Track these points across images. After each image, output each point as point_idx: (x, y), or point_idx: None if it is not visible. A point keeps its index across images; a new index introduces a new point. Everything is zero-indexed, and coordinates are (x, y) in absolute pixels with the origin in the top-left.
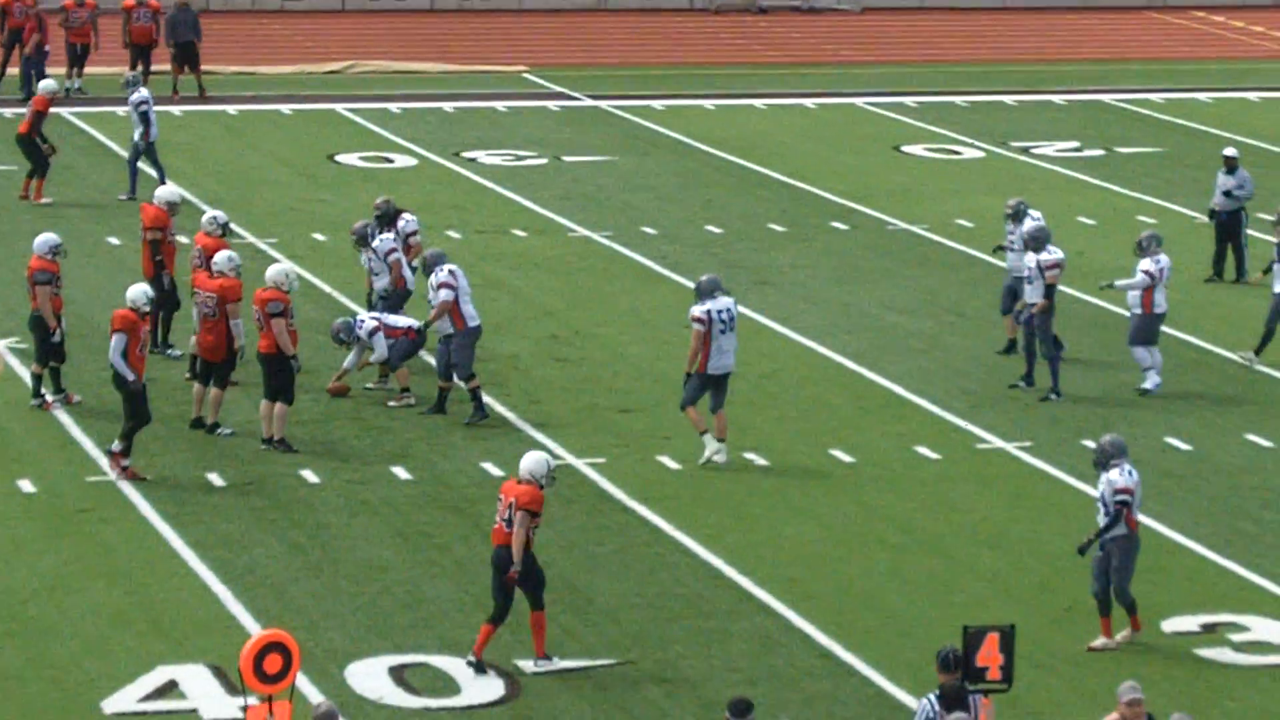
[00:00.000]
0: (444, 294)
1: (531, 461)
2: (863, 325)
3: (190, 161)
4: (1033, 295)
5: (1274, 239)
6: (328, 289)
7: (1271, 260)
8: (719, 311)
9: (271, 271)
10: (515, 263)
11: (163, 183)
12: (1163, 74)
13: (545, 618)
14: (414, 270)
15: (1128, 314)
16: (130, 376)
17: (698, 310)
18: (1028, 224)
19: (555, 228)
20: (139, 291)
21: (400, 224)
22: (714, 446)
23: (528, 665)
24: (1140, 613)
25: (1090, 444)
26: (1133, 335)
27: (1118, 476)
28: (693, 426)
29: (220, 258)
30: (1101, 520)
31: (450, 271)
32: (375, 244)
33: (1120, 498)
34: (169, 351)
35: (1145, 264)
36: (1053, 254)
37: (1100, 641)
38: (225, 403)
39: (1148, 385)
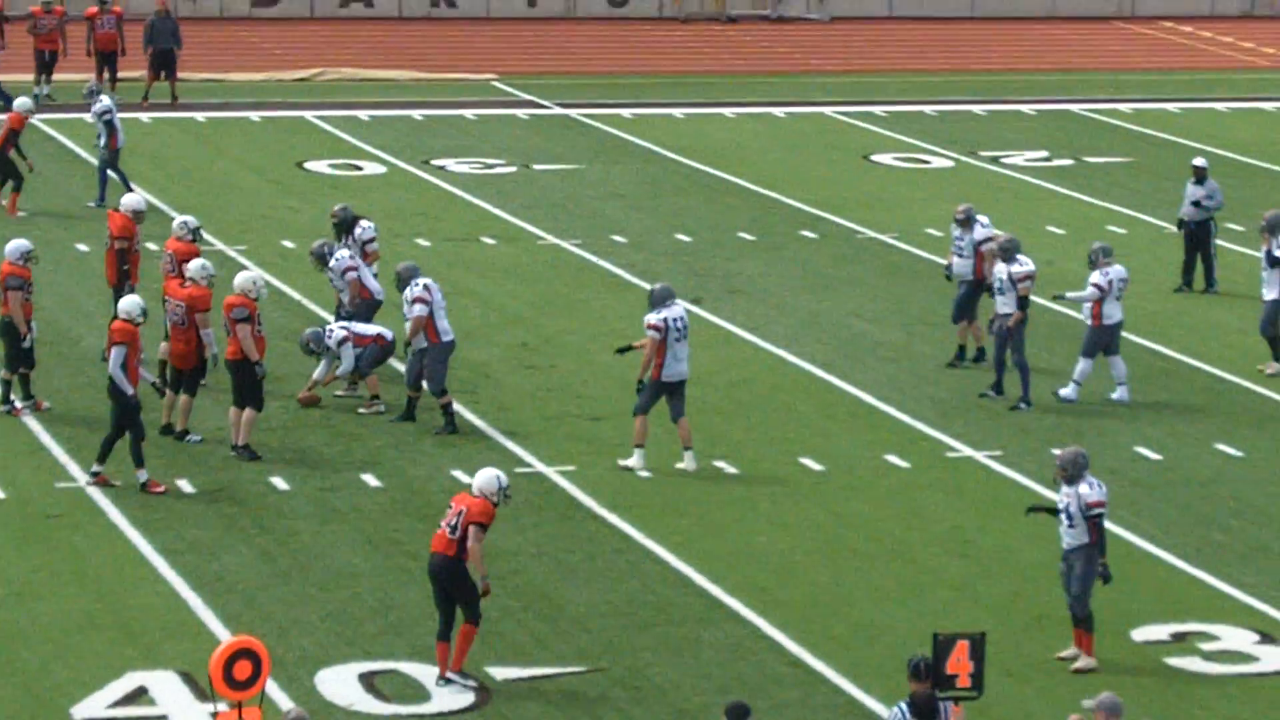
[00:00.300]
0: (418, 309)
1: (484, 479)
2: (832, 334)
3: (159, 169)
4: (1004, 306)
5: (1262, 248)
6: (297, 296)
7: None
8: (674, 320)
9: (239, 279)
10: (484, 270)
11: (128, 190)
12: (1131, 84)
13: (475, 634)
14: (375, 276)
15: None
16: (129, 390)
17: (654, 318)
18: (979, 231)
19: (524, 236)
20: (132, 303)
21: (357, 231)
22: (639, 460)
23: (496, 672)
24: (1110, 622)
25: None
26: (1084, 347)
27: (1088, 490)
28: (635, 434)
29: (193, 266)
30: (1066, 535)
31: (425, 286)
32: (332, 263)
33: (1095, 512)
34: None
35: (1095, 277)
36: (1024, 265)
37: (1076, 655)
38: (195, 410)
39: (1066, 392)
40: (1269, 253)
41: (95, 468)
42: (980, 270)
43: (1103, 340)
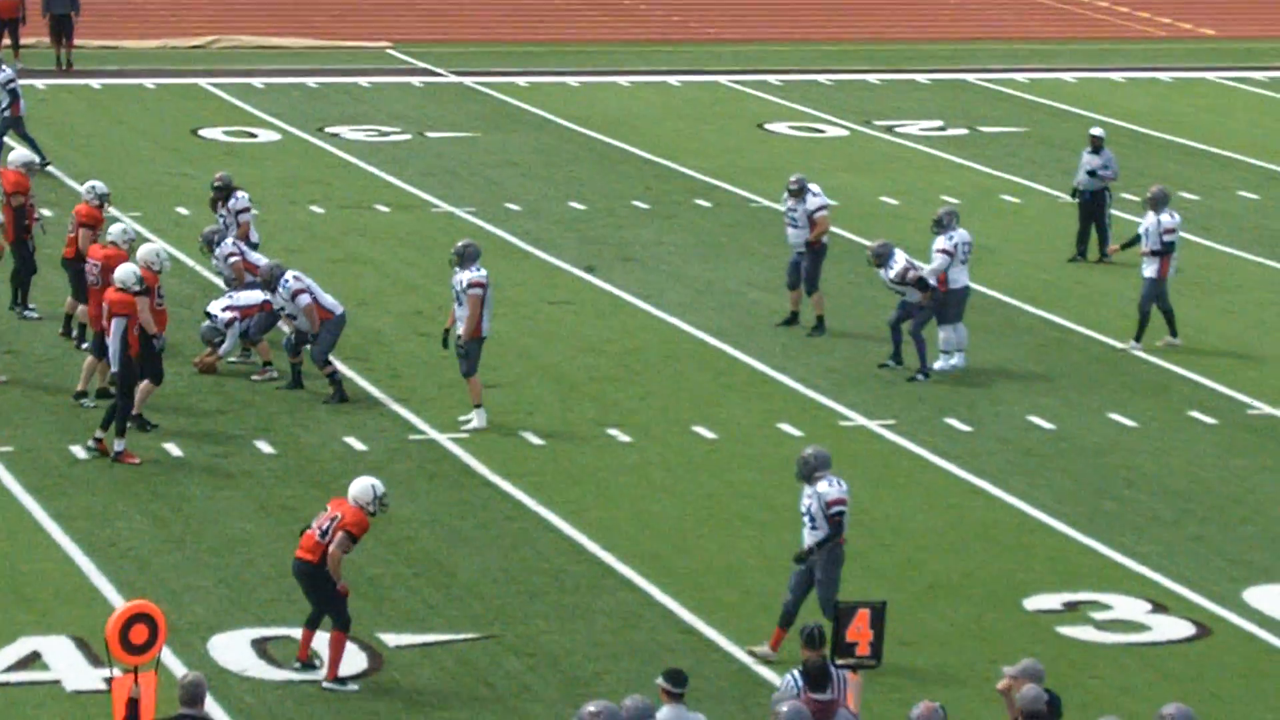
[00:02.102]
0: (302, 299)
1: (359, 488)
2: (725, 302)
3: (54, 136)
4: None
5: (1141, 221)
6: (191, 263)
7: (1135, 235)
8: (489, 282)
9: (142, 250)
10: (378, 238)
11: (41, 158)
12: (1027, 53)
13: (345, 639)
14: (256, 247)
15: (989, 293)
16: (117, 368)
17: (479, 275)
18: (810, 200)
19: (418, 203)
20: (127, 271)
21: (231, 202)
22: (482, 420)
23: (389, 639)
24: (1002, 592)
25: (955, 423)
26: (936, 315)
27: (827, 488)
28: (472, 395)
29: (115, 230)
30: (808, 534)
31: (295, 277)
32: (217, 251)
33: (835, 509)
34: (26, 313)
35: (941, 242)
36: (896, 266)
37: (764, 649)
38: (94, 375)
39: (940, 365)
40: (1148, 232)
41: (116, 442)
42: (817, 238)
43: (950, 304)
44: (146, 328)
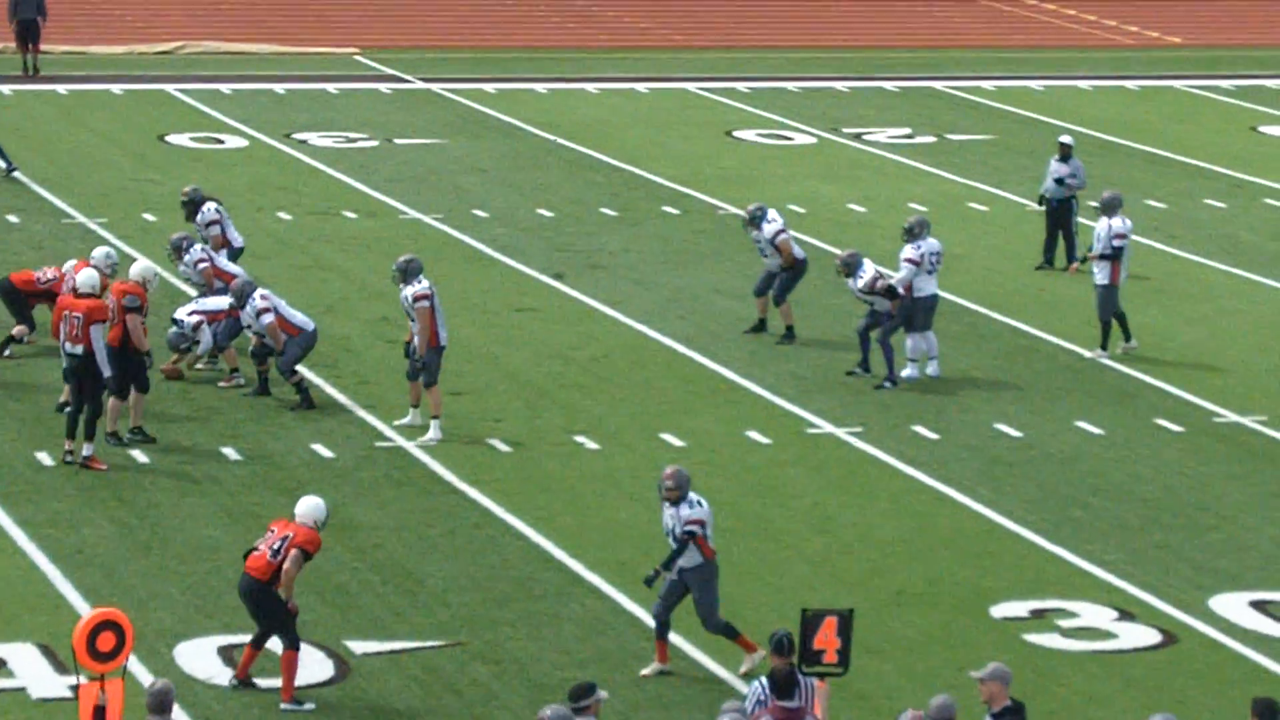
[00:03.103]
0: (266, 319)
1: (309, 506)
2: (693, 309)
3: (20, 141)
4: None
5: (1109, 231)
6: (159, 269)
7: (1089, 248)
8: (434, 291)
9: (135, 268)
10: (346, 245)
11: (8, 165)
12: (994, 61)
13: (297, 659)
14: (240, 251)
15: (956, 301)
16: (108, 372)
17: (421, 288)
18: (767, 228)
19: (386, 210)
20: (91, 276)
21: (199, 216)
22: (438, 432)
23: (355, 646)
24: (969, 599)
25: (922, 430)
26: (904, 323)
27: (688, 510)
28: (432, 407)
29: (98, 254)
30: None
31: (263, 296)
32: (185, 258)
33: (690, 528)
34: None
35: (908, 251)
36: (866, 275)
37: (653, 667)
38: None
39: (907, 373)
40: (1099, 236)
41: (68, 445)
42: (790, 259)
43: (917, 312)
44: (139, 345)
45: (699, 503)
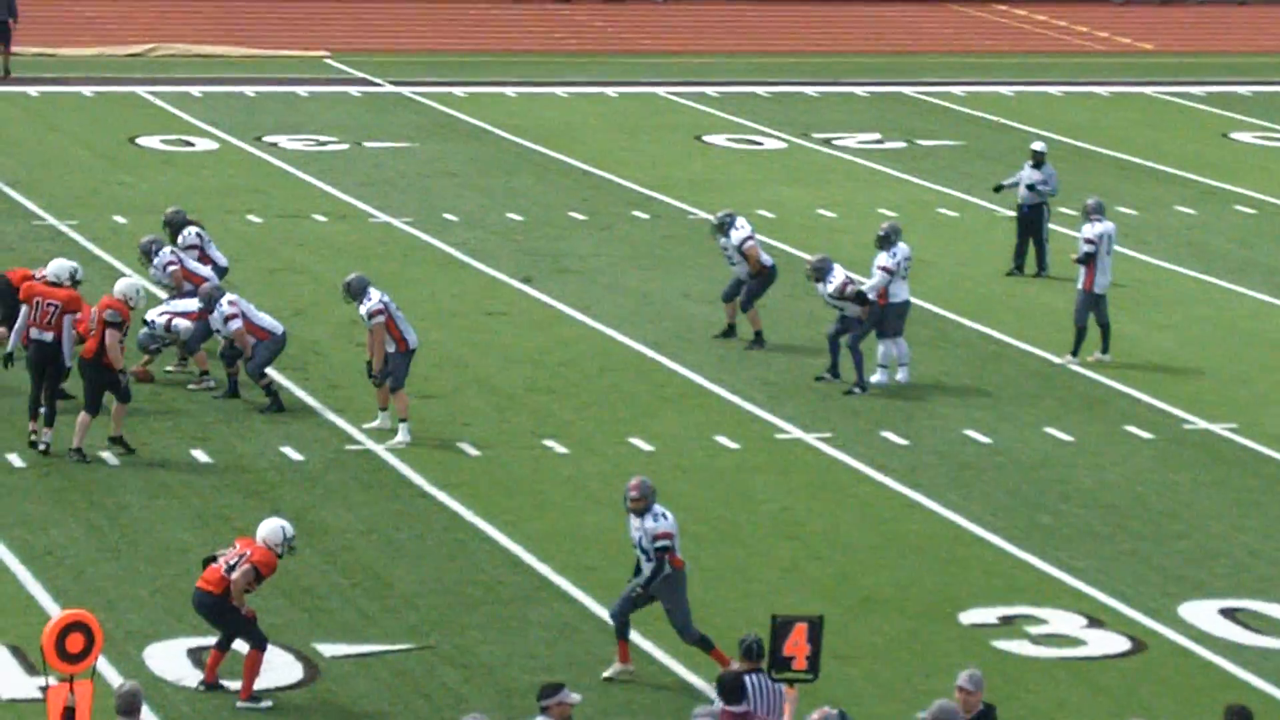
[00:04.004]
0: (233, 325)
1: (267, 530)
2: (662, 314)
3: None
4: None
5: (1080, 235)
6: (129, 272)
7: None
8: (385, 299)
9: (122, 284)
10: (315, 248)
11: None
12: (965, 66)
13: (261, 658)
14: (225, 270)
15: (925, 306)
16: (71, 363)
17: (372, 306)
18: (735, 235)
19: (356, 213)
20: (62, 267)
21: (180, 238)
22: (407, 436)
23: (324, 649)
24: (938, 605)
25: (891, 436)
26: (876, 329)
27: (654, 524)
28: (398, 410)
29: (128, 291)
30: (647, 567)
31: (230, 302)
32: (155, 260)
33: (661, 544)
34: None
35: (883, 259)
36: (835, 280)
37: (616, 668)
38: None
39: (876, 379)
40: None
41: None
42: (757, 266)
43: (888, 318)
44: (114, 362)
45: (664, 515)
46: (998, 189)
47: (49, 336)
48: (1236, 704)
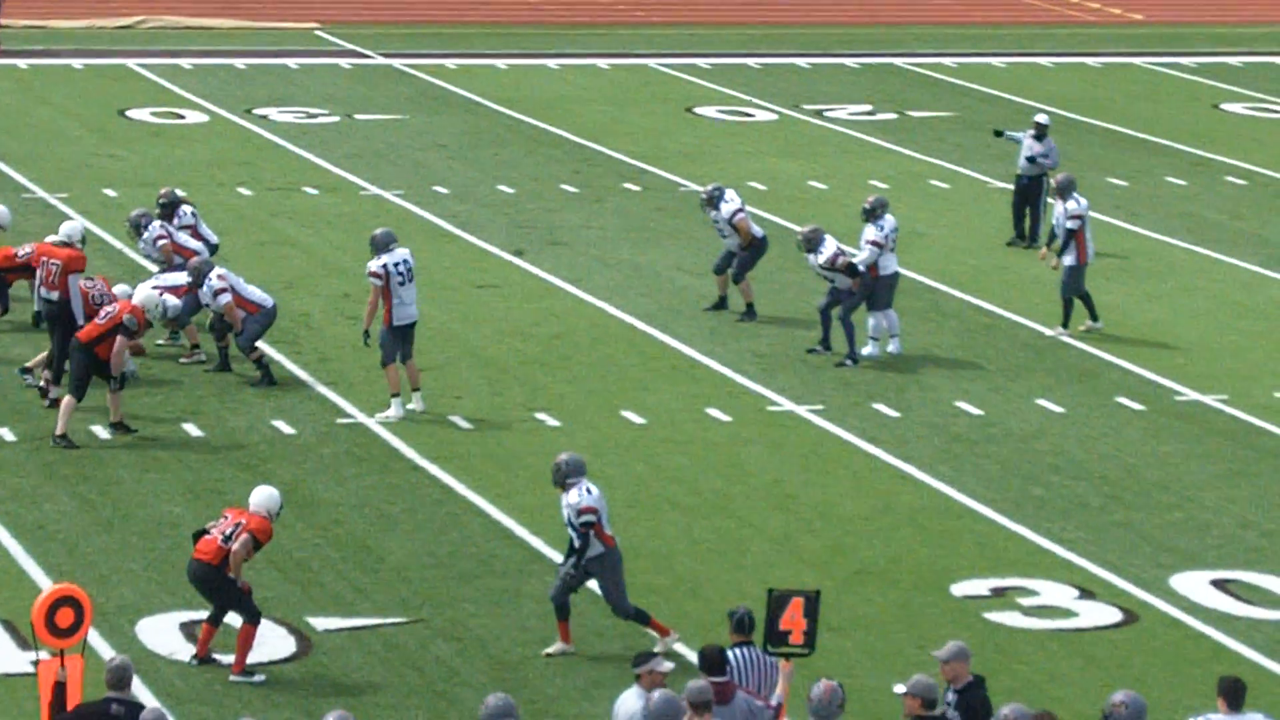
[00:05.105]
0: (223, 299)
1: (264, 497)
2: (654, 286)
3: None
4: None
5: (1061, 213)
6: (118, 245)
7: (1048, 242)
8: (395, 264)
9: (144, 297)
10: (306, 221)
11: None
12: (956, 38)
13: (255, 632)
14: (216, 247)
15: (917, 279)
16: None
17: (374, 265)
18: (725, 208)
19: (347, 186)
20: (74, 228)
21: (176, 218)
22: (398, 410)
23: (317, 622)
24: (930, 577)
25: (883, 408)
26: (866, 302)
27: (577, 497)
28: (390, 384)
29: (149, 307)
30: (578, 541)
31: (219, 276)
32: (144, 234)
33: (585, 519)
34: None
35: (871, 233)
36: (826, 252)
37: (557, 646)
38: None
39: (868, 351)
40: (1058, 220)
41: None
42: (749, 238)
43: (878, 290)
44: (116, 366)
45: (589, 490)
46: (998, 134)
47: (55, 295)
48: (1230, 676)
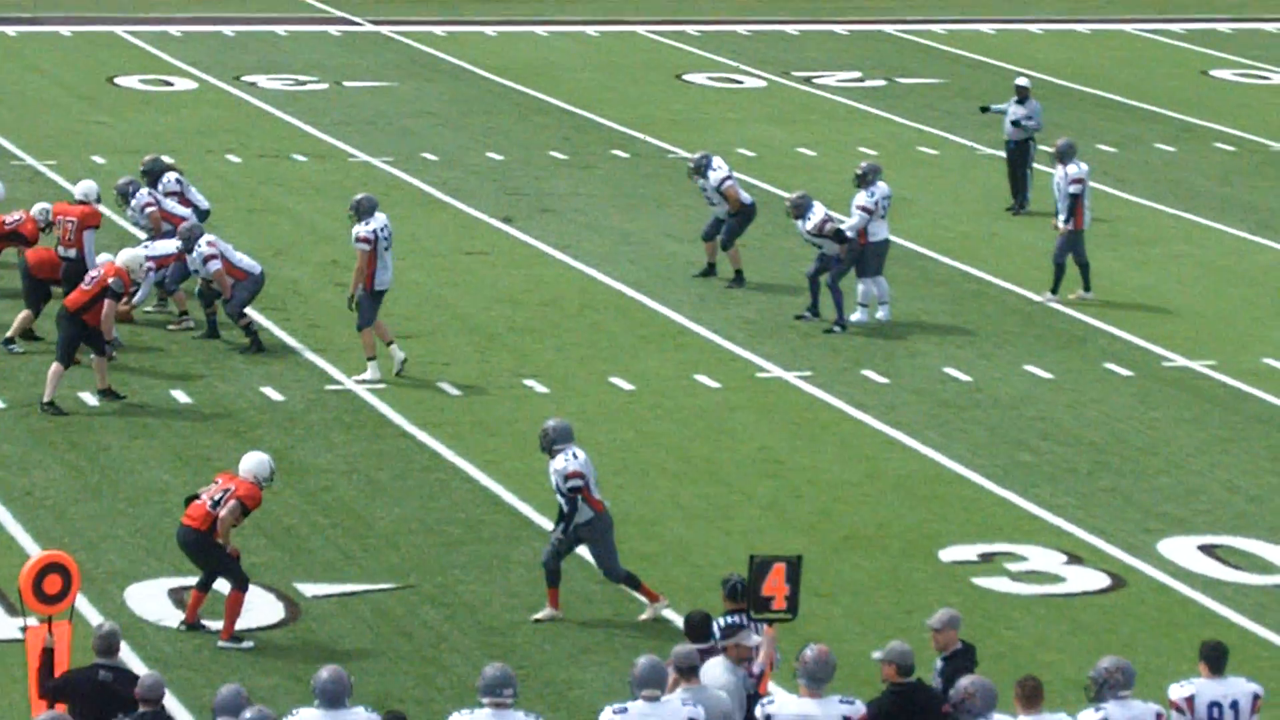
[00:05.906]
0: (212, 265)
1: (253, 462)
2: (643, 253)
3: None
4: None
5: (1061, 178)
6: (107, 212)
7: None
8: (381, 229)
9: (128, 256)
10: (295, 188)
11: None
12: (945, 4)
13: (243, 599)
14: (207, 213)
15: (905, 245)
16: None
17: (364, 230)
18: (713, 176)
19: (335, 153)
20: (90, 185)
21: (160, 185)
22: (375, 372)
23: (305, 589)
24: (918, 543)
25: (871, 374)
26: (855, 268)
27: (563, 463)
28: (366, 347)
29: (131, 266)
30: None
31: (209, 243)
32: (132, 202)
33: (572, 483)
34: None
35: (861, 199)
36: (814, 217)
37: (545, 612)
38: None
39: (856, 317)
40: (1058, 185)
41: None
42: (737, 205)
43: (868, 257)
44: (106, 331)
45: (575, 455)
46: (984, 109)
47: (73, 253)
48: (1213, 640)
